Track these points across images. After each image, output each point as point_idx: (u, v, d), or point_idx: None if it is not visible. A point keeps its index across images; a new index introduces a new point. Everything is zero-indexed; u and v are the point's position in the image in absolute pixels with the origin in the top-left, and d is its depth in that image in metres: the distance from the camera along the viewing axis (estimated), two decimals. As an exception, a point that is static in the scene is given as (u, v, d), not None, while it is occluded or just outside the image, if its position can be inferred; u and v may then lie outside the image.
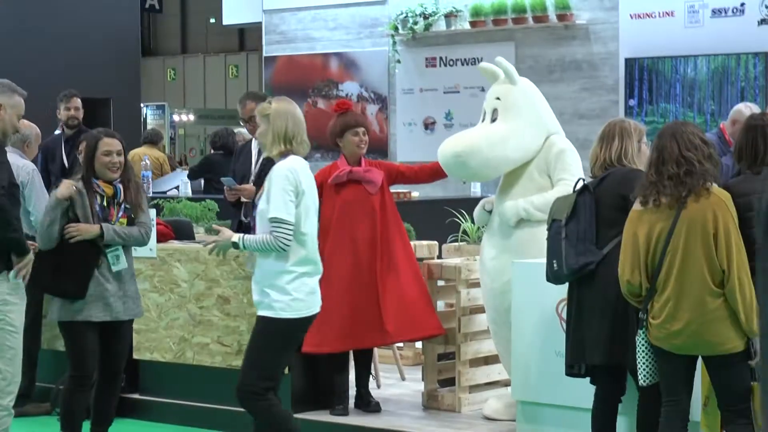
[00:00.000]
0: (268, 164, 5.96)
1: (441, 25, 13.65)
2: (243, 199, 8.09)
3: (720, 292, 5.20)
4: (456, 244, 8.12)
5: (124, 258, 6.42)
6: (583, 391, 5.82)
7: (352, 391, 7.43)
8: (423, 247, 8.23)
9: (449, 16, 13.54)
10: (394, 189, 7.96)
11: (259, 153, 8.01)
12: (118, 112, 16.31)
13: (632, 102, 12.41)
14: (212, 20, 33.33)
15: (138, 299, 6.57)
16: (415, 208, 10.35)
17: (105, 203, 6.42)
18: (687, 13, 12.16)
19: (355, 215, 7.22)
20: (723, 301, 5.20)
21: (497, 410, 7.08)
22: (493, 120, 6.87)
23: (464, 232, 8.11)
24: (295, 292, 5.73)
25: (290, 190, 5.71)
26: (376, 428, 7.03)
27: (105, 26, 16.41)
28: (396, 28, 13.87)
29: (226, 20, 16.81)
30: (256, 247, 5.76)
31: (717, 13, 12.01)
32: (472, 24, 13.40)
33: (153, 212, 7.07)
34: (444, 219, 8.43)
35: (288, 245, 5.69)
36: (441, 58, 13.84)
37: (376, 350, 7.80)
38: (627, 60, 12.43)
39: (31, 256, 5.93)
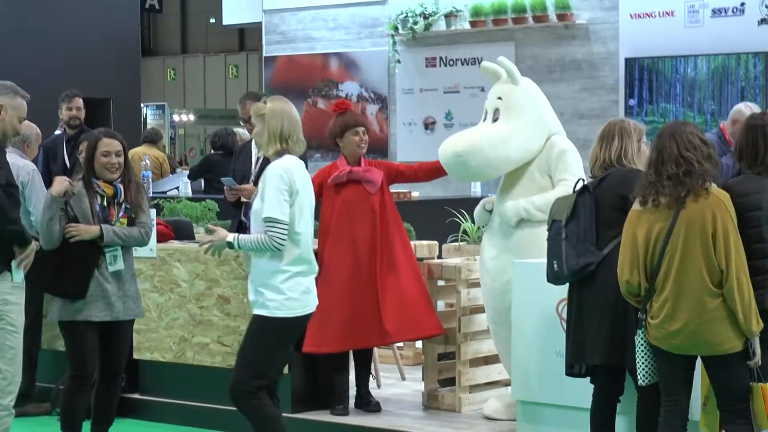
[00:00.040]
0: (267, 164, 5.97)
1: (441, 25, 13.65)
2: (243, 199, 8.09)
3: (718, 293, 5.20)
4: (456, 244, 8.12)
5: (122, 259, 6.42)
6: (584, 391, 5.82)
7: (353, 391, 7.44)
8: (423, 246, 8.23)
9: (449, 16, 13.54)
10: (394, 189, 7.96)
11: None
12: (118, 112, 16.31)
13: (632, 102, 12.41)
14: (212, 20, 33.33)
15: (138, 299, 6.57)
16: (415, 208, 10.36)
17: (105, 203, 6.42)
18: (687, 12, 12.16)
19: (355, 215, 7.22)
20: (721, 301, 5.19)
21: (497, 410, 7.08)
22: (495, 120, 6.87)
23: (464, 232, 8.11)
24: (289, 291, 5.74)
25: (284, 189, 5.71)
26: (377, 428, 7.03)
27: (105, 26, 16.41)
28: (396, 28, 13.87)
29: (226, 20, 16.82)
30: (251, 247, 5.76)
31: (717, 12, 12.02)
32: (472, 24, 13.40)
33: (153, 212, 7.07)
34: (444, 219, 8.43)
35: (282, 245, 5.69)
36: (441, 58, 13.84)
37: (376, 350, 7.80)
38: (627, 60, 12.44)
39: (33, 246, 5.95)
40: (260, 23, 15.35)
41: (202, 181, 12.65)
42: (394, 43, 13.96)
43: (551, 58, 12.97)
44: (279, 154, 5.83)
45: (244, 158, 8.41)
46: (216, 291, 7.54)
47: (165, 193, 12.00)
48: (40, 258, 6.17)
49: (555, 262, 5.70)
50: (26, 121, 7.38)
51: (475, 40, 13.49)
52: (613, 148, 5.76)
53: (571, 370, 5.75)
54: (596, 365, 5.68)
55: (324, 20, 14.69)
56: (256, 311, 5.80)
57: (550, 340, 6.26)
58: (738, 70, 11.85)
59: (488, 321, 7.11)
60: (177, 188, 12.33)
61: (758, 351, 5.22)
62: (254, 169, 8.20)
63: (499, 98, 6.90)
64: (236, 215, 8.31)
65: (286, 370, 6.91)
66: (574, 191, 5.82)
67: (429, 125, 13.99)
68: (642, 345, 5.36)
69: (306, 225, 5.83)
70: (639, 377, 5.41)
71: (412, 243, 7.67)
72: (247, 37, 34.97)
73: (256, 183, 7.86)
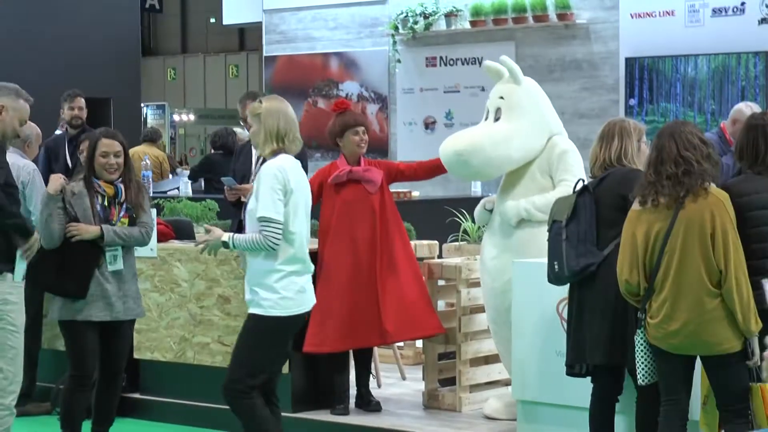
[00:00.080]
0: (267, 164, 5.98)
1: (441, 25, 13.65)
2: (243, 199, 8.08)
3: (717, 293, 5.20)
4: (456, 243, 8.12)
5: (122, 259, 6.42)
6: (584, 391, 5.82)
7: (353, 390, 7.44)
8: (423, 246, 8.23)
9: (449, 16, 13.54)
10: (394, 188, 7.96)
11: (260, 153, 8.01)
12: (118, 112, 16.30)
13: (632, 101, 12.41)
14: (212, 20, 33.31)
15: (139, 299, 6.57)
16: (415, 208, 10.36)
17: (106, 203, 6.42)
18: (687, 12, 12.16)
19: (355, 215, 7.22)
20: (720, 301, 5.20)
21: (498, 410, 7.08)
22: (497, 119, 6.87)
23: (465, 231, 8.11)
24: (283, 290, 5.74)
25: (279, 189, 5.71)
26: (377, 428, 7.03)
27: (105, 26, 16.41)
28: (396, 28, 13.87)
29: (227, 20, 16.82)
30: (246, 246, 5.77)
31: (717, 12, 12.01)
32: (473, 23, 13.40)
33: (153, 212, 7.08)
34: (444, 218, 8.43)
35: (277, 244, 5.69)
36: (441, 58, 13.84)
37: (376, 350, 7.80)
38: (627, 59, 12.43)
39: (36, 237, 5.97)
40: (260, 23, 15.35)
41: (203, 180, 12.65)
42: (395, 42, 13.96)
43: (551, 58, 12.96)
44: (275, 153, 5.83)
45: (244, 158, 8.41)
46: (216, 291, 7.54)
47: (165, 193, 12.00)
48: (40, 257, 6.18)
49: (556, 262, 5.70)
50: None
51: (475, 40, 13.48)
52: (613, 148, 5.76)
53: (572, 370, 5.75)
54: (596, 365, 5.68)
55: (324, 20, 14.69)
56: (251, 310, 5.81)
57: (550, 339, 6.26)
58: (738, 69, 11.85)
59: (488, 321, 7.11)
60: (177, 188, 12.34)
61: (757, 351, 5.22)
62: (254, 168, 8.19)
63: (501, 98, 6.90)
64: (236, 215, 8.30)
65: (286, 369, 6.92)
66: (574, 191, 5.82)
67: (429, 125, 13.99)
68: (642, 344, 5.37)
69: (300, 224, 5.82)
70: (639, 377, 5.41)
71: (412, 242, 7.67)
72: (247, 36, 34.96)
73: (256, 183, 7.88)
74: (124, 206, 6.44)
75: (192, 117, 33.49)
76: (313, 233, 7.39)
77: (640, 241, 5.30)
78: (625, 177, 5.65)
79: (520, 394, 6.53)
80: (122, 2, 16.95)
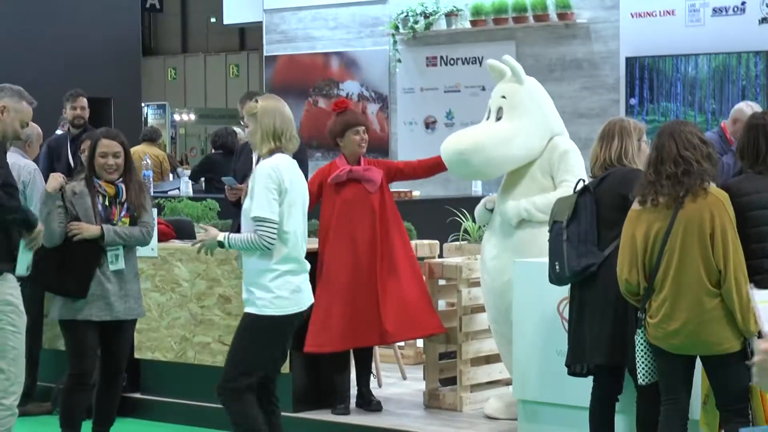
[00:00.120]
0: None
1: (442, 24, 13.66)
2: (244, 199, 8.09)
3: (717, 292, 5.20)
4: (457, 243, 8.12)
5: (123, 259, 6.42)
6: (585, 391, 5.82)
7: (354, 390, 7.44)
8: (424, 246, 8.23)
9: (450, 15, 13.55)
10: (394, 188, 7.96)
11: (260, 152, 8.00)
12: (118, 111, 16.31)
13: (633, 101, 12.41)
14: (213, 20, 33.33)
15: (140, 299, 6.58)
16: (416, 208, 10.36)
17: (107, 203, 6.43)
18: (688, 11, 12.17)
19: (355, 214, 7.22)
20: (720, 301, 5.20)
21: (498, 409, 7.08)
22: (498, 118, 6.86)
23: (465, 231, 8.11)
24: (277, 289, 5.73)
25: (273, 188, 5.70)
26: (378, 427, 7.03)
27: (106, 26, 16.41)
28: (396, 27, 13.88)
29: (227, 20, 16.83)
30: (241, 246, 5.77)
31: (718, 11, 12.02)
32: (473, 23, 13.40)
33: (154, 212, 7.08)
34: (445, 218, 8.43)
35: (272, 243, 5.68)
36: (442, 57, 13.84)
37: (377, 349, 7.81)
38: (628, 59, 12.44)
39: (40, 228, 5.98)
40: (261, 23, 15.36)
41: (203, 180, 12.66)
42: (395, 42, 13.96)
43: (552, 58, 12.97)
44: (273, 152, 5.82)
45: (245, 157, 8.41)
46: (217, 290, 7.54)
47: (166, 192, 12.01)
48: (41, 256, 6.18)
49: (557, 263, 5.70)
50: (27, 121, 7.40)
51: (475, 40, 13.49)
52: (613, 148, 5.76)
53: (573, 370, 5.75)
54: (597, 365, 5.68)
55: (324, 19, 14.70)
56: (247, 309, 5.81)
57: (551, 339, 6.26)
58: (739, 69, 11.85)
59: (489, 320, 7.11)
60: (178, 188, 12.35)
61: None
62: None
63: (503, 97, 6.89)
64: (237, 214, 8.27)
65: (287, 369, 6.92)
66: (574, 191, 5.82)
67: (430, 124, 13.99)
68: (642, 344, 5.37)
69: (296, 224, 5.80)
70: (639, 376, 5.41)
71: (413, 242, 7.67)
72: (247, 36, 34.98)
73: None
74: (125, 206, 6.44)
75: (192, 117, 33.51)
76: (313, 233, 7.40)
77: (640, 241, 5.30)
78: (625, 177, 5.65)
79: (520, 393, 6.53)
80: (123, 2, 16.96)
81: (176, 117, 32.53)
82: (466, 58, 13.61)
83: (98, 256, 6.37)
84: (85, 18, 16.16)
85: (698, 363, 5.42)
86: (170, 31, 37.85)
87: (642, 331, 5.36)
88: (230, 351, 5.91)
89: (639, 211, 5.34)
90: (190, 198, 9.38)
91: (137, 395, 7.94)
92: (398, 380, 8.17)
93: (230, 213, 8.55)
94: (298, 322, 5.94)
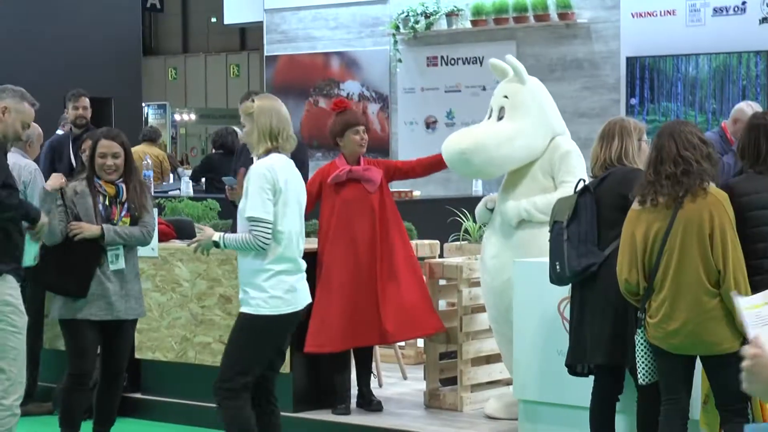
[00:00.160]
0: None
1: (442, 24, 13.65)
2: (244, 199, 8.09)
3: (716, 292, 5.20)
4: (457, 243, 8.12)
5: (123, 258, 6.42)
6: (585, 391, 5.82)
7: (354, 390, 7.44)
8: (424, 246, 8.23)
9: (450, 15, 13.55)
10: (395, 188, 7.96)
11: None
12: (119, 111, 16.30)
13: (633, 101, 12.41)
14: (213, 19, 33.33)
15: (141, 299, 6.57)
16: (416, 207, 10.36)
17: (108, 203, 6.43)
18: (688, 11, 12.16)
19: (355, 214, 7.22)
20: (719, 301, 5.20)
21: (499, 409, 7.08)
22: (500, 118, 6.86)
23: (466, 231, 8.11)
24: (272, 289, 5.72)
25: (267, 188, 5.70)
26: (378, 427, 7.03)
27: (106, 26, 16.41)
28: (397, 27, 13.87)
29: (228, 19, 16.83)
30: (236, 246, 5.76)
31: (718, 11, 12.02)
32: (474, 23, 13.40)
33: (155, 212, 7.08)
34: (445, 218, 8.43)
35: (267, 244, 5.67)
36: (442, 57, 13.84)
37: (377, 349, 7.81)
38: (628, 59, 12.44)
39: (45, 219, 6.00)
40: (261, 22, 15.36)
41: (204, 180, 12.66)
42: (396, 42, 13.96)
43: (552, 57, 12.97)
44: (269, 152, 5.81)
45: (245, 158, 8.40)
46: (217, 290, 7.54)
47: (166, 192, 12.01)
48: (42, 256, 6.19)
49: (557, 263, 5.70)
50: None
51: (476, 39, 13.49)
52: (613, 148, 5.75)
53: (573, 370, 5.76)
54: (597, 365, 5.68)
55: (325, 19, 14.69)
56: (242, 309, 5.81)
57: (551, 339, 6.26)
58: (739, 69, 11.85)
59: (489, 320, 7.11)
60: (178, 188, 12.35)
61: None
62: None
63: (505, 96, 6.89)
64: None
65: (287, 369, 6.92)
66: (575, 191, 5.81)
67: (430, 124, 13.99)
68: (642, 344, 5.37)
69: (291, 223, 5.78)
70: (639, 376, 5.41)
71: (413, 242, 7.67)
72: (248, 36, 34.97)
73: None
74: (126, 206, 6.44)
75: (193, 117, 33.51)
76: (313, 233, 7.40)
77: (640, 241, 5.30)
78: (625, 177, 5.65)
79: (521, 393, 6.53)
80: (123, 2, 16.96)
81: (177, 117, 32.53)
82: (466, 58, 13.61)
83: (98, 255, 6.37)
84: (85, 18, 16.16)
85: (698, 363, 5.42)
86: (171, 31, 37.85)
87: (642, 331, 5.36)
88: (226, 351, 5.92)
89: (639, 211, 5.34)
90: (190, 198, 9.38)
91: (138, 395, 7.94)
92: (399, 380, 8.17)
93: (230, 213, 8.54)
94: (296, 322, 5.94)
